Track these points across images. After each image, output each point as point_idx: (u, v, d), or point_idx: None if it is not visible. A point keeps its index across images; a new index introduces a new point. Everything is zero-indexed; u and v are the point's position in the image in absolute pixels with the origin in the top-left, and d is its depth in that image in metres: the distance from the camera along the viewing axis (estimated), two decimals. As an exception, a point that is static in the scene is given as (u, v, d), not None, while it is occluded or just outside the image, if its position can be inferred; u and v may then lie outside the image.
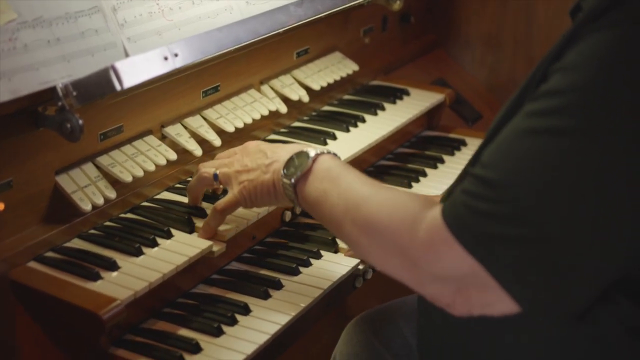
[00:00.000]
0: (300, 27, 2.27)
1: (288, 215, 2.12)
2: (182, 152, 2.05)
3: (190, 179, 2.01)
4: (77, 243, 1.80)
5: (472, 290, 1.37)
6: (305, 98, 2.41)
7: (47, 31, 1.69)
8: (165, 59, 1.83)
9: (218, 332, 1.71)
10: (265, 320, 1.76)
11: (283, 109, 2.33)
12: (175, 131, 2.07)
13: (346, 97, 2.64)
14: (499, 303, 1.35)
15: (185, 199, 1.97)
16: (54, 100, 1.66)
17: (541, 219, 1.29)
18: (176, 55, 1.85)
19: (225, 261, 1.96)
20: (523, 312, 1.35)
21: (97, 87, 1.70)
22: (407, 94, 2.69)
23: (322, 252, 2.00)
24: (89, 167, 1.86)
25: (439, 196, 1.43)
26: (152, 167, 1.94)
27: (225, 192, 1.97)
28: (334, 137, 2.35)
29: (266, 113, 2.27)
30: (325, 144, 2.29)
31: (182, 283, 1.86)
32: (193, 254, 1.79)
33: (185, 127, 2.10)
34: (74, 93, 1.65)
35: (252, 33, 2.05)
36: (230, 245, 1.89)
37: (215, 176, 1.86)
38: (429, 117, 2.74)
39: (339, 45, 2.66)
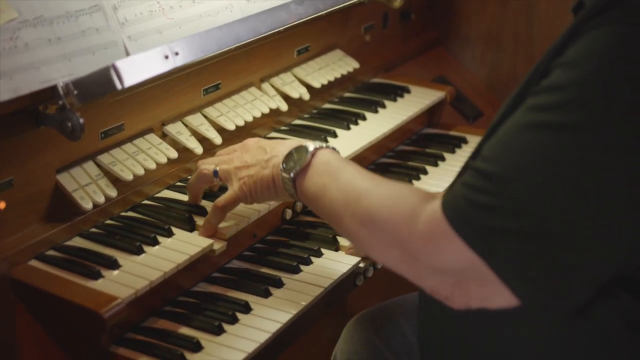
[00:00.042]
0: (300, 25, 2.26)
1: (289, 213, 2.12)
2: (183, 150, 2.05)
3: (190, 177, 2.01)
4: (78, 241, 1.80)
5: (471, 284, 1.37)
6: (306, 96, 2.41)
7: (47, 30, 1.69)
8: (166, 57, 1.83)
9: (219, 331, 1.71)
10: (266, 318, 1.76)
11: (284, 106, 2.33)
12: (176, 129, 2.07)
13: (347, 94, 2.64)
14: (498, 297, 1.35)
15: (186, 197, 1.97)
16: (55, 99, 1.66)
17: (541, 213, 1.29)
18: (177, 53, 1.85)
19: (226, 259, 1.97)
20: (522, 306, 1.35)
21: (98, 86, 1.70)
22: (408, 91, 2.69)
23: (323, 250, 2.00)
24: (89, 166, 1.86)
25: (441, 193, 1.43)
26: (152, 166, 1.94)
27: (223, 189, 1.97)
28: (335, 135, 2.35)
29: (267, 111, 2.27)
30: (326, 141, 2.29)
31: (183, 281, 1.86)
32: (194, 252, 1.79)
33: (186, 125, 2.10)
34: (75, 92, 1.65)
35: (252, 31, 2.05)
36: (231, 244, 1.89)
37: (215, 173, 1.86)
38: (430, 115, 2.74)
39: (340, 42, 2.66)
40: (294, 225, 2.12)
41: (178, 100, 2.09)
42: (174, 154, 2.00)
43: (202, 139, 2.09)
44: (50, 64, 1.67)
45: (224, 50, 1.99)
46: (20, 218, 1.74)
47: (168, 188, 2.03)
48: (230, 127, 2.15)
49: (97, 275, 1.68)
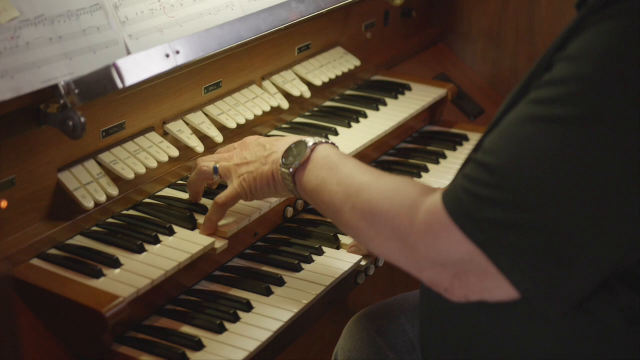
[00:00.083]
0: (301, 23, 2.26)
1: (290, 212, 2.12)
2: (184, 148, 2.05)
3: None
4: (79, 240, 1.81)
5: (470, 276, 1.37)
6: (307, 94, 2.41)
7: (49, 29, 1.69)
8: (167, 56, 1.83)
9: (220, 329, 1.71)
10: (267, 317, 1.76)
11: (285, 104, 2.33)
12: (177, 128, 2.07)
13: (348, 92, 2.64)
14: (497, 289, 1.35)
15: (187, 196, 1.97)
16: (56, 98, 1.66)
17: (541, 206, 1.29)
18: (178, 52, 1.85)
19: (227, 258, 1.97)
20: (522, 300, 1.35)
21: (99, 85, 1.70)
22: (409, 89, 2.69)
23: (324, 249, 2.00)
24: (91, 165, 1.86)
25: (442, 188, 1.43)
26: (154, 164, 1.94)
27: (222, 186, 1.97)
28: (336, 133, 2.35)
29: (268, 109, 2.27)
30: (326, 138, 2.29)
31: (185, 280, 1.86)
32: (195, 250, 1.79)
33: (187, 124, 2.10)
34: (76, 91, 1.66)
35: (253, 30, 2.05)
36: (232, 242, 1.89)
37: (215, 170, 1.87)
38: (431, 112, 2.74)
39: (341, 40, 2.66)
40: (296, 224, 2.12)
41: (179, 99, 2.09)
42: (175, 153, 2.00)
43: (204, 138, 2.09)
44: (52, 63, 1.67)
45: (225, 48, 1.99)
46: (22, 217, 1.74)
47: (169, 186, 2.03)
48: (232, 125, 2.16)
49: (98, 274, 1.69)
